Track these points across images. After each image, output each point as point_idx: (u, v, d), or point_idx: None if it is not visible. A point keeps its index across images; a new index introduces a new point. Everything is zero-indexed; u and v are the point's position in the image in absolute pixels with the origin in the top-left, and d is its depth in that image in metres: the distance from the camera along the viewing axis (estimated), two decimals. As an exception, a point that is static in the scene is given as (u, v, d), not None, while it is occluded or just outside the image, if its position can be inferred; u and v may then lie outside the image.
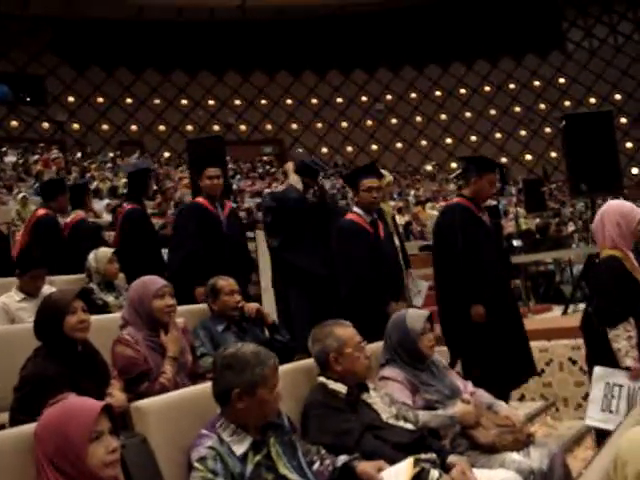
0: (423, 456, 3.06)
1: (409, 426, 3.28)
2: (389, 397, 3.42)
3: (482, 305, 5.00)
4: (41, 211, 7.21)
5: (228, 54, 30.10)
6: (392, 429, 3.16)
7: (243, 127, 31.03)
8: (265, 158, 27.11)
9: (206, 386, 2.83)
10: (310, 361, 3.40)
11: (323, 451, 2.95)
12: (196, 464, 2.58)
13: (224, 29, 29.75)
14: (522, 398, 6.17)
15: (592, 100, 31.62)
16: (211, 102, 31.06)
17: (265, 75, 31.57)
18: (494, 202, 18.96)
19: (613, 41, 33.16)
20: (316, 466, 2.87)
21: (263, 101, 31.50)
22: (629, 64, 32.26)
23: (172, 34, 29.36)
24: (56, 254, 6.62)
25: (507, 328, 5.18)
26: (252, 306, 4.57)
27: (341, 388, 3.22)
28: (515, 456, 3.47)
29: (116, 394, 3.25)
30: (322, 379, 3.27)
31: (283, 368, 3.52)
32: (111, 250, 5.73)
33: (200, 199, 6.01)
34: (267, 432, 2.73)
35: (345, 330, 3.31)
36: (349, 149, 31.30)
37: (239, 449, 2.62)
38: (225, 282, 4.44)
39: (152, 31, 29.21)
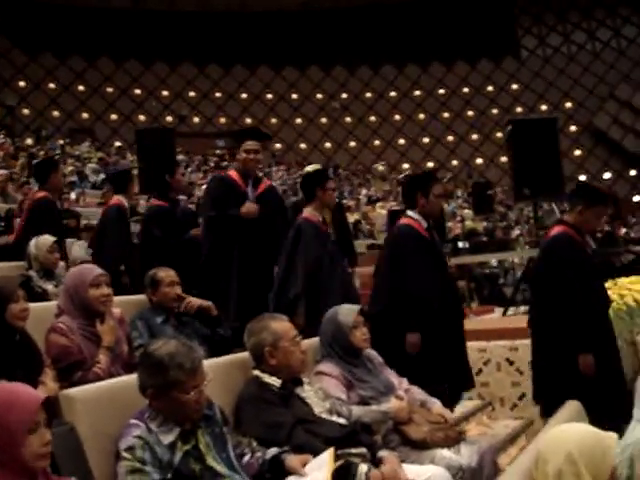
0: (354, 450, 3.10)
1: (342, 421, 3.32)
2: (323, 392, 3.45)
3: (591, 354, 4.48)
4: (39, 194, 7.00)
5: (184, 45, 29.85)
6: (324, 423, 3.19)
7: (197, 119, 30.82)
8: (218, 151, 26.94)
9: (136, 377, 2.82)
10: (245, 354, 3.41)
11: (254, 443, 2.97)
12: (124, 453, 2.57)
13: (182, 20, 29.51)
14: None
15: (543, 107, 32.12)
16: (165, 93, 30.79)
17: (221, 68, 31.40)
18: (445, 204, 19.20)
19: (566, 50, 33.74)
20: (246, 458, 2.89)
21: (218, 94, 31.33)
22: (581, 73, 32.86)
23: (128, 22, 29.02)
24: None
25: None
26: (194, 303, 4.54)
27: (275, 382, 3.23)
28: (445, 452, 3.53)
29: (48, 383, 3.22)
30: (257, 372, 3.28)
31: (217, 361, 3.54)
32: (52, 239, 5.66)
33: (232, 172, 5.84)
34: (197, 423, 2.73)
35: (281, 324, 3.33)
36: (302, 146, 31.33)
37: (166, 439, 2.62)
38: (165, 273, 4.41)
39: (107, 18, 28.84)
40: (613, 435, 2.38)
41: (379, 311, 4.83)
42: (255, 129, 6.00)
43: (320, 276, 5.17)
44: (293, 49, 31.21)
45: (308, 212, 5.42)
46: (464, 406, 5.89)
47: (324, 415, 3.28)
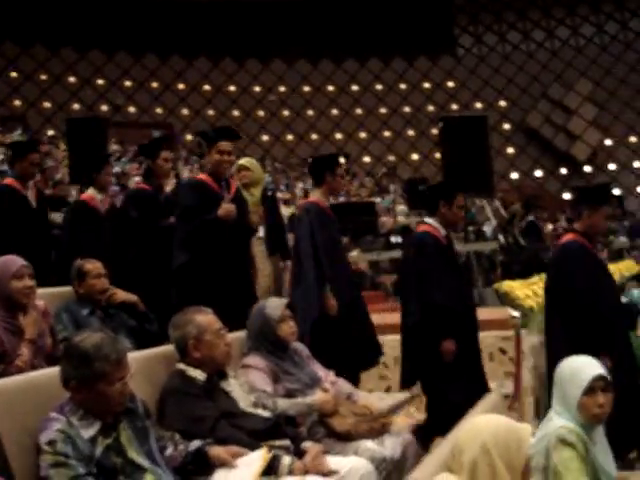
0: (277, 443, 3.13)
1: (266, 414, 3.33)
2: (249, 385, 3.47)
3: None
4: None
5: (120, 33, 29.31)
6: (248, 417, 3.21)
7: (132, 109, 30.35)
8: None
9: (57, 370, 2.79)
10: (170, 347, 3.40)
11: (177, 436, 2.96)
12: (45, 447, 2.55)
13: (116, 7, 28.96)
14: (388, 389, 6.34)
15: (478, 105, 32.58)
16: (100, 82, 30.22)
17: (157, 58, 30.98)
18: (378, 199, 19.36)
19: (501, 49, 34.29)
20: (169, 451, 2.89)
21: (154, 84, 30.91)
22: (515, 73, 33.44)
23: (64, 9, 28.36)
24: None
25: None
26: (118, 296, 4.50)
27: (199, 375, 3.23)
28: (369, 444, 3.59)
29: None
30: (181, 365, 3.28)
31: (142, 354, 3.52)
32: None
33: (203, 176, 5.49)
34: (119, 416, 2.72)
35: (205, 317, 3.33)
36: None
37: (87, 433, 2.60)
38: (92, 265, 4.36)
39: (42, 4, 28.14)
40: (527, 426, 2.45)
41: (412, 324, 4.81)
42: (229, 128, 5.68)
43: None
44: (232, 41, 30.97)
45: (316, 196, 5.37)
46: (393, 398, 5.98)
47: (249, 408, 3.29)
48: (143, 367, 3.21)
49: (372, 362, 5.47)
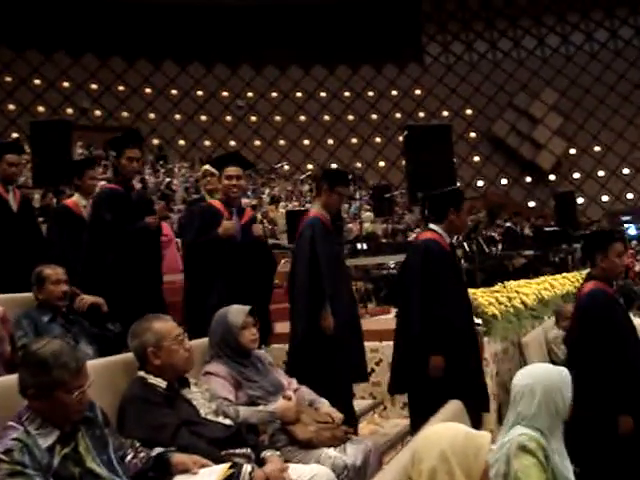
0: (238, 451, 3.12)
1: (227, 422, 3.32)
2: (210, 392, 3.45)
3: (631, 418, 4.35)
4: None
5: (86, 36, 29.11)
6: (209, 424, 3.19)
7: (98, 112, 30.12)
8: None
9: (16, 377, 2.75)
10: (131, 355, 3.37)
11: (138, 444, 2.94)
12: (2, 456, 2.50)
13: (82, 9, 28.73)
14: (352, 397, 6.34)
15: (445, 113, 32.88)
16: (66, 84, 29.95)
17: (124, 61, 30.78)
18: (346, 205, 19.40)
19: (468, 58, 34.62)
20: (128, 459, 2.86)
21: (121, 87, 30.70)
22: (481, 81, 33.79)
23: (28, 11, 28.06)
24: None
25: None
26: (86, 301, 4.47)
27: (160, 382, 3.21)
28: (331, 452, 3.60)
29: None
30: (141, 373, 3.25)
31: (102, 361, 3.49)
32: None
33: (215, 202, 5.40)
34: (77, 425, 2.69)
35: (163, 324, 3.30)
36: (207, 143, 31.05)
37: (45, 442, 2.57)
38: (52, 271, 4.32)
39: (5, 5, 27.80)
40: (486, 434, 2.47)
41: (415, 335, 4.67)
42: (236, 154, 5.60)
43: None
44: (199, 45, 30.89)
45: (316, 210, 5.24)
46: (356, 405, 5.99)
47: (210, 416, 3.28)
48: (104, 375, 3.19)
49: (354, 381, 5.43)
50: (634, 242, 24.99)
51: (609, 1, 33.83)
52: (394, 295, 5.36)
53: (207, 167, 6.91)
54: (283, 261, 9.37)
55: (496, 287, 7.52)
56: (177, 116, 31.07)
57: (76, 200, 6.37)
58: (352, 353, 5.17)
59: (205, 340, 3.86)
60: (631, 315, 7.37)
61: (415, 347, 4.65)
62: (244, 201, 16.42)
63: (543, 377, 3.25)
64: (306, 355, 4.88)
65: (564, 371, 3.29)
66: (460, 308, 4.86)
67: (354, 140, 32.40)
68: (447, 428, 2.49)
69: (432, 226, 4.95)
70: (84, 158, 7.64)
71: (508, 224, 11.47)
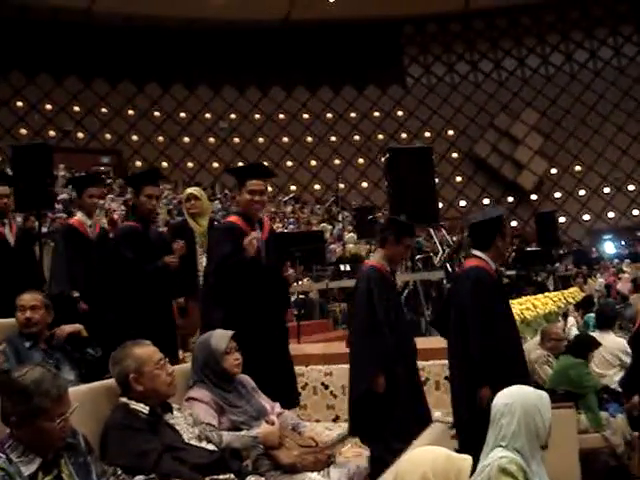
0: (221, 477, 3.12)
1: (211, 447, 3.31)
2: (193, 418, 3.44)
3: None
4: None
5: (69, 58, 29.08)
6: (192, 450, 3.18)
7: (81, 135, 30.06)
8: (102, 168, 26.37)
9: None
10: (113, 381, 3.36)
11: (119, 472, 2.93)
12: (-17, 485, 2.50)
13: (67, 31, 28.74)
14: (336, 419, 6.33)
15: (427, 134, 33.08)
16: (48, 106, 29.90)
17: (107, 83, 30.79)
18: (329, 226, 19.44)
19: (450, 79, 34.91)
20: (111, 486, 2.86)
21: (104, 109, 30.69)
22: (463, 102, 34.04)
23: (13, 33, 28.02)
24: None
25: None
26: (62, 331, 4.45)
27: (143, 408, 3.20)
28: (315, 476, 3.59)
29: None
30: (124, 399, 3.24)
31: (84, 388, 3.48)
32: None
33: (234, 218, 5.11)
34: (60, 452, 2.68)
35: (144, 349, 3.29)
36: (190, 165, 31.05)
37: (27, 470, 2.56)
38: (29, 296, 4.30)
39: (-12, 29, 27.82)
40: (467, 457, 2.49)
41: (472, 367, 4.50)
42: (260, 165, 5.43)
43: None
44: (182, 67, 30.97)
45: (377, 260, 5.00)
46: (342, 428, 5.98)
47: (193, 441, 3.27)
48: (86, 401, 3.17)
49: None
50: (615, 260, 25.22)
51: (588, 22, 34.29)
52: (440, 326, 5.14)
53: (191, 190, 6.92)
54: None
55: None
56: (160, 138, 31.08)
57: (81, 219, 6.22)
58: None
59: (188, 365, 3.85)
60: (612, 335, 7.46)
61: (475, 377, 4.48)
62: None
63: (522, 397, 3.27)
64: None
65: (544, 394, 3.32)
66: (511, 337, 4.73)
67: (337, 161, 32.51)
68: (428, 451, 2.50)
69: (477, 253, 4.79)
70: (84, 175, 7.53)
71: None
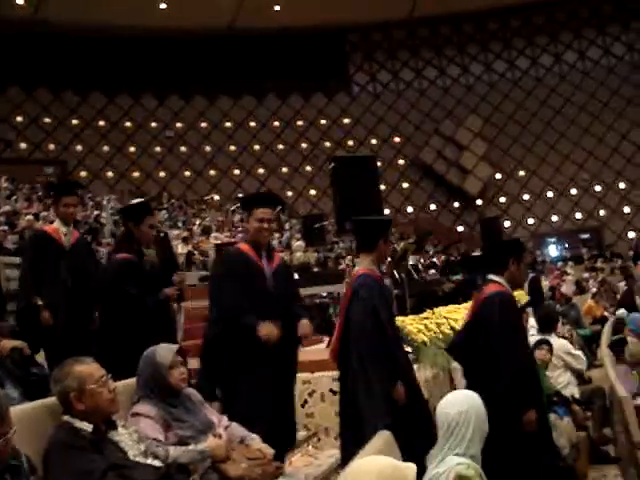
0: (168, 492, 3.09)
1: (157, 463, 3.28)
2: (139, 434, 3.41)
3: None
4: None
5: (10, 68, 28.55)
6: (137, 467, 3.14)
7: (23, 145, 29.53)
8: (46, 179, 25.92)
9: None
10: (55, 399, 3.31)
11: (63, 492, 2.89)
12: None
13: (8, 40, 28.21)
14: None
15: (373, 141, 33.33)
16: (-10, 117, 29.33)
17: (50, 93, 30.31)
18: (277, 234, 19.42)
19: (395, 87, 35.23)
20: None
21: (47, 119, 30.20)
22: (408, 110, 34.40)
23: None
24: None
25: None
26: (6, 345, 4.37)
27: (86, 426, 3.14)
28: (263, 488, 3.59)
29: None
30: (66, 417, 3.19)
31: (26, 407, 3.42)
32: None
33: (243, 246, 4.94)
34: (3, 475, 2.63)
35: (85, 367, 3.24)
36: (135, 174, 30.74)
37: (-34, 494, 2.51)
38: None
39: None
40: (412, 465, 2.51)
41: (502, 392, 4.44)
42: (270, 194, 5.37)
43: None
44: (127, 76, 30.67)
45: (365, 265, 4.83)
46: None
47: (139, 458, 3.24)
48: (28, 420, 3.12)
49: None
50: (560, 263, 25.71)
51: (529, 32, 34.98)
52: (457, 353, 5.07)
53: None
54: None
55: (425, 313, 7.64)
56: (105, 147, 30.71)
57: (56, 227, 6.14)
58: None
59: (132, 381, 3.81)
60: (554, 337, 7.61)
61: (506, 403, 4.40)
62: (174, 232, 16.31)
63: (474, 403, 3.32)
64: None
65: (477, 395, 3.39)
66: (529, 360, 4.74)
67: (284, 169, 32.54)
68: (374, 460, 2.52)
69: (493, 277, 4.77)
70: (58, 184, 7.38)
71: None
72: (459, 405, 3.30)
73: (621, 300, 14.19)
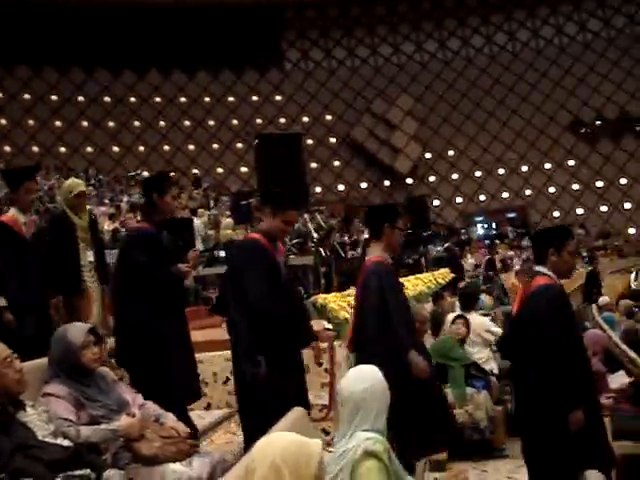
0: (77, 472, 3.06)
1: (66, 443, 3.25)
2: (49, 414, 3.37)
3: None
4: None
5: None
6: (46, 447, 3.10)
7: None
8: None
9: None
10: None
11: (-33, 474, 2.85)
12: None
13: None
14: (208, 407, 6.34)
15: (305, 119, 33.29)
16: None
17: (1, 68, 29.39)
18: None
19: (327, 65, 35.23)
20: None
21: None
22: (340, 88, 34.44)
23: None
24: None
25: None
26: None
27: (-8, 408, 3.11)
28: (176, 466, 3.56)
29: None
30: (-28, 398, 3.14)
31: None
32: None
33: (258, 236, 4.81)
34: None
35: (-11, 348, 3.20)
36: (62, 149, 30.08)
37: None
38: None
39: None
40: (318, 441, 2.53)
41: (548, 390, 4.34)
42: (300, 197, 5.24)
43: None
44: (80, 49, 29.95)
45: (376, 254, 4.82)
46: (212, 415, 6.00)
47: (48, 438, 3.19)
48: None
49: None
50: (486, 242, 26.20)
51: (461, 12, 35.33)
52: (506, 349, 5.03)
53: (82, 188, 6.36)
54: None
55: (349, 291, 7.71)
56: (30, 122, 30.00)
57: (13, 216, 5.70)
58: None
59: (44, 360, 3.76)
60: (474, 315, 7.78)
61: (560, 401, 4.31)
62: (101, 209, 16.02)
63: (376, 377, 3.35)
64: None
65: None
66: (582, 355, 4.59)
67: (215, 146, 32.26)
68: (279, 437, 2.53)
69: (540, 269, 4.59)
70: (24, 167, 6.96)
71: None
72: (363, 382, 3.32)
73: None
